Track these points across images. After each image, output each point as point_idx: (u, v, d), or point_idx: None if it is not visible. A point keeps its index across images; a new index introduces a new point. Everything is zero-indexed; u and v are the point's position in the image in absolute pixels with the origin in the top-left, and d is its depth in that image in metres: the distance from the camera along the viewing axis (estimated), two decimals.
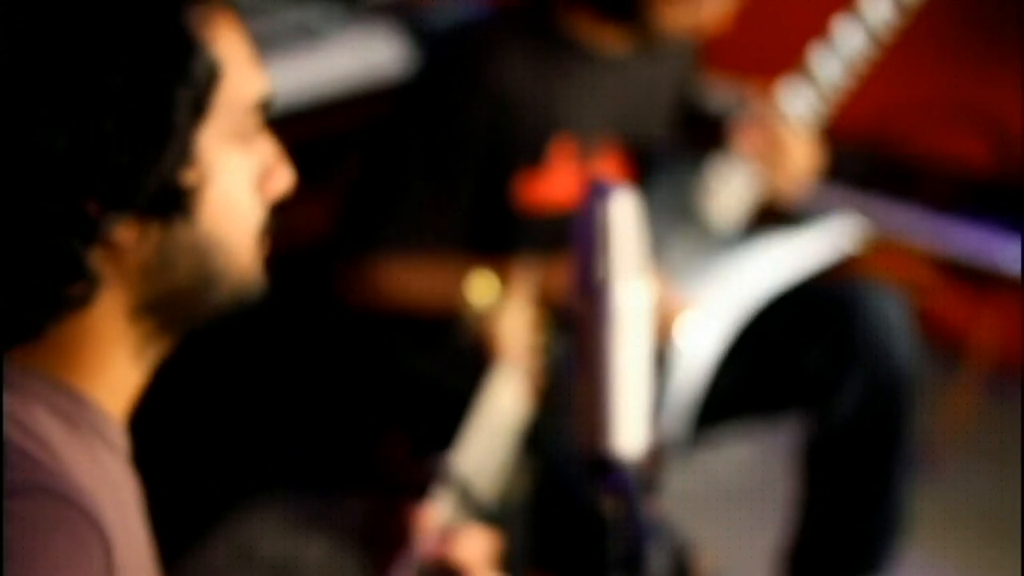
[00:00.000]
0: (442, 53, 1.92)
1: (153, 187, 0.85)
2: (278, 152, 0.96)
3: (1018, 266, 2.53)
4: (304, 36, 2.38)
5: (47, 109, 0.81)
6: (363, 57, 2.48)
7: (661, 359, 1.92)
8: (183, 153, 0.87)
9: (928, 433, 2.84)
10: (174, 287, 0.91)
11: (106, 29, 0.83)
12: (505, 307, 1.53)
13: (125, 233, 0.87)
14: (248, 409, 2.52)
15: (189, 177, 0.88)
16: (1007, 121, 2.92)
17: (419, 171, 1.85)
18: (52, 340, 0.89)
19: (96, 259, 0.86)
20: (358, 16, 2.63)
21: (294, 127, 2.27)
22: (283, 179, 0.96)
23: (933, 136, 3.00)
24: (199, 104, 0.87)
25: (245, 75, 0.92)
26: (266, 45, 2.26)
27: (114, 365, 0.92)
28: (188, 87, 0.86)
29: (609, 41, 1.89)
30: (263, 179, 0.95)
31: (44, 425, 0.87)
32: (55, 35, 0.82)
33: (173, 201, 0.87)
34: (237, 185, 0.92)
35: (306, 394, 2.61)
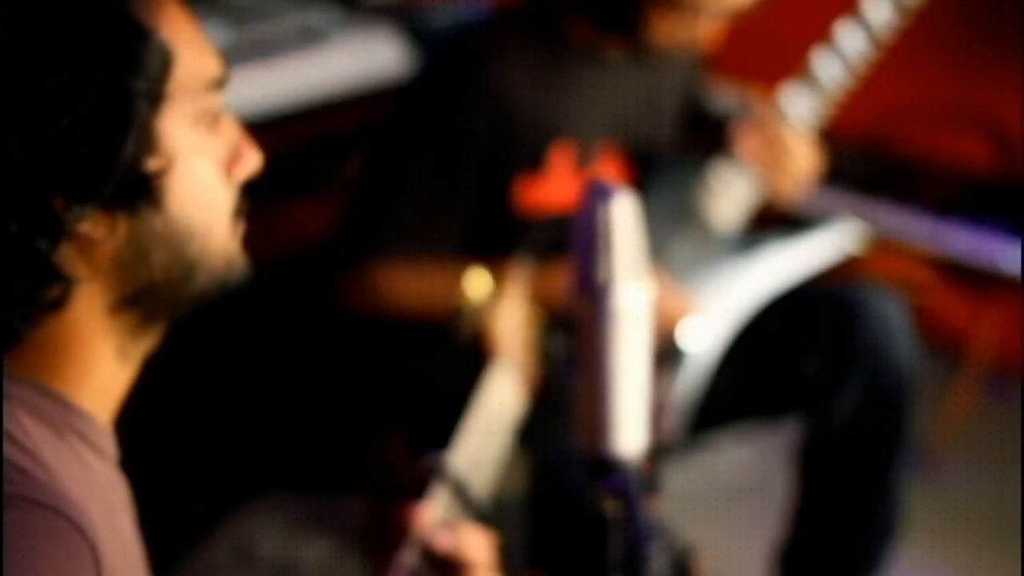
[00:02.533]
0: (442, 55, 1.92)
1: (117, 178, 0.84)
2: (243, 133, 0.95)
3: (1018, 266, 2.53)
4: (304, 38, 2.37)
5: None
6: (363, 58, 2.48)
7: (665, 360, 1.92)
8: (144, 141, 0.85)
9: (928, 433, 2.84)
10: (151, 278, 0.89)
11: (51, 25, 0.82)
12: (501, 304, 1.53)
13: (94, 228, 0.85)
14: (248, 409, 2.52)
15: (153, 164, 0.86)
16: (1007, 122, 2.92)
17: (418, 174, 1.85)
18: (34, 344, 0.88)
19: (67, 258, 0.85)
20: (358, 17, 2.63)
21: (295, 129, 2.28)
22: (251, 160, 0.94)
23: (933, 137, 3.00)
24: (154, 90, 0.85)
25: (197, 56, 0.90)
26: (266, 47, 2.26)
27: (99, 365, 0.91)
28: (141, 74, 0.84)
29: (610, 47, 1.88)
30: (231, 161, 0.93)
31: (30, 433, 0.86)
32: (1, 34, 0.81)
33: (139, 190, 0.86)
34: (204, 168, 0.90)
35: (306, 394, 2.61)
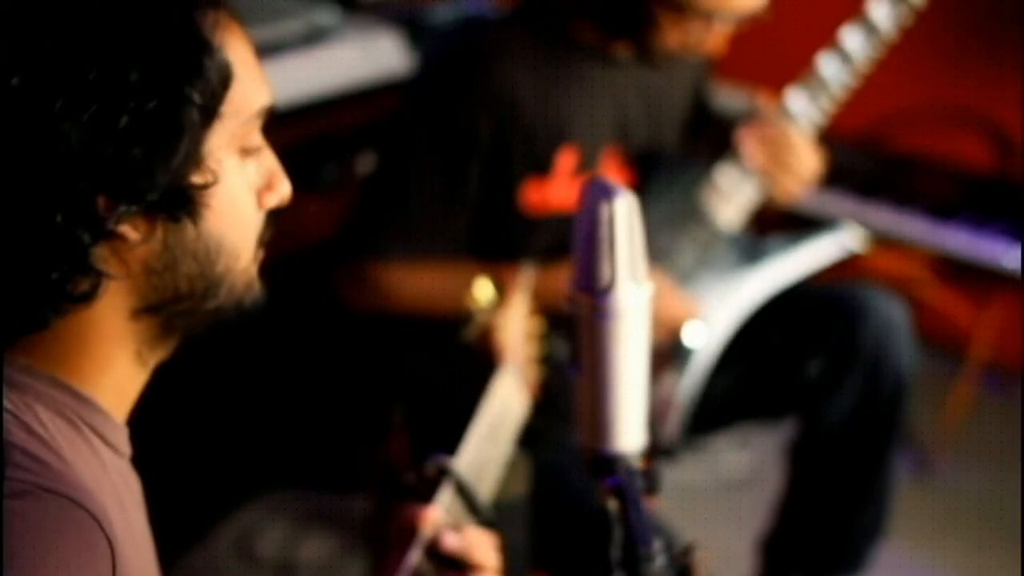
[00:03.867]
0: (444, 54, 1.90)
1: (163, 185, 0.86)
2: (278, 164, 0.97)
3: (1018, 266, 2.54)
4: (306, 36, 2.38)
5: (63, 102, 0.82)
6: (365, 57, 2.48)
7: (670, 361, 1.92)
8: (193, 153, 0.87)
9: (928, 432, 2.85)
10: (176, 288, 0.91)
11: (124, 25, 0.84)
12: (506, 309, 1.53)
13: (131, 230, 0.87)
14: (251, 408, 2.52)
15: (197, 177, 0.88)
16: (1007, 122, 2.92)
17: (422, 175, 1.84)
18: (55, 338, 0.90)
19: (102, 255, 0.87)
20: (360, 16, 2.63)
21: (298, 127, 2.28)
22: (282, 191, 0.97)
23: (933, 138, 3.00)
24: (211, 104, 0.87)
25: (252, 83, 0.92)
26: (267, 45, 2.26)
27: (116, 366, 0.92)
28: (201, 86, 0.86)
29: (615, 48, 1.88)
30: (263, 189, 0.96)
31: (47, 425, 0.87)
32: (74, 29, 0.83)
33: (180, 200, 0.88)
34: (241, 191, 0.93)
35: (308, 394, 2.62)
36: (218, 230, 0.91)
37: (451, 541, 1.14)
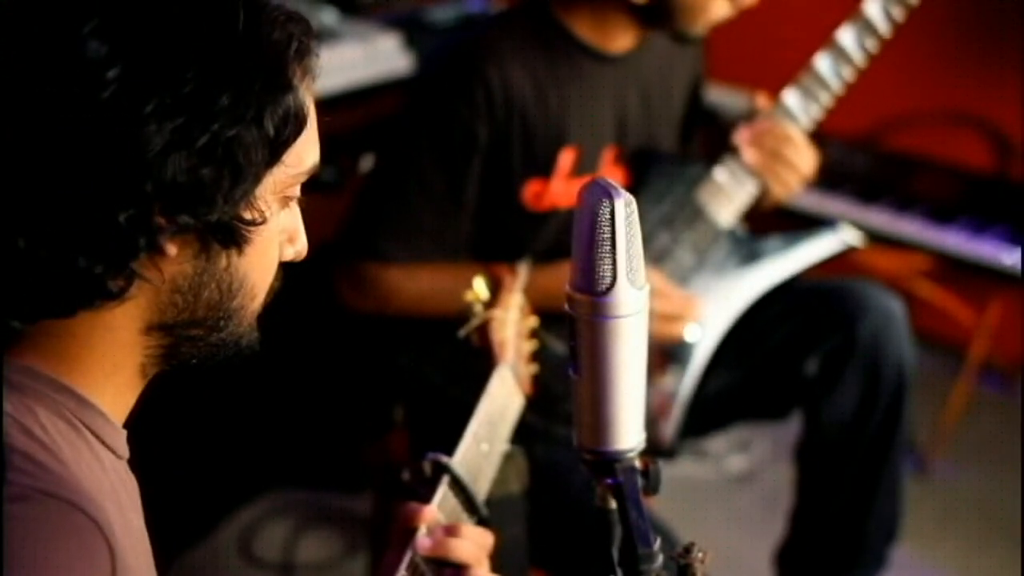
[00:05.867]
0: (443, 57, 1.90)
1: (218, 211, 0.88)
2: (301, 221, 1.00)
3: (1018, 266, 2.54)
4: None
5: (154, 106, 0.83)
6: (364, 57, 2.48)
7: (670, 360, 1.92)
8: (251, 190, 0.89)
9: (926, 432, 2.85)
10: (193, 311, 0.93)
11: (227, 51, 0.86)
12: (503, 306, 1.54)
13: (172, 246, 0.89)
14: (252, 408, 2.52)
15: (247, 214, 0.90)
16: (1006, 124, 2.93)
17: (422, 176, 1.84)
18: (66, 339, 0.90)
19: (141, 261, 0.88)
20: (359, 16, 2.63)
21: None
22: (300, 246, 1.00)
23: (934, 139, 3.00)
24: (280, 148, 0.90)
25: (312, 141, 0.95)
26: None
27: (120, 373, 0.93)
28: (279, 127, 0.89)
29: (615, 38, 1.88)
30: (285, 241, 0.98)
31: (46, 427, 0.88)
32: (180, 40, 0.85)
33: (228, 231, 0.90)
34: (275, 237, 0.95)
35: (308, 394, 2.62)
36: (246, 267, 0.93)
37: (424, 544, 1.15)
